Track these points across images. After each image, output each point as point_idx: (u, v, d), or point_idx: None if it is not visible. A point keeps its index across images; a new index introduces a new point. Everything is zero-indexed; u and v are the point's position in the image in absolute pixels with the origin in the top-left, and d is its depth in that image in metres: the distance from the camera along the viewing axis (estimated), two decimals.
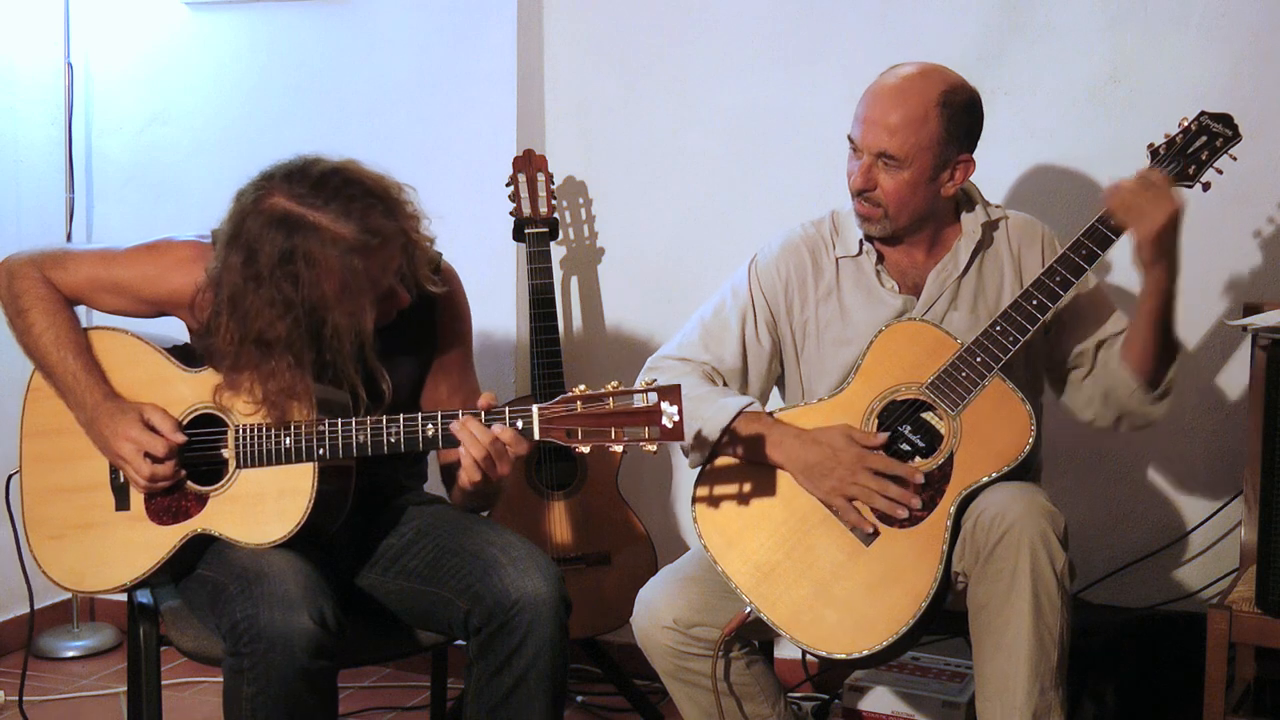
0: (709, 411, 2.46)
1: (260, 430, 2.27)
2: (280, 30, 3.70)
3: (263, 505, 2.27)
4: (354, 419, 2.25)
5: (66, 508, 2.38)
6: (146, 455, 2.27)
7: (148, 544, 2.32)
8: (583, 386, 2.18)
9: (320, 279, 2.18)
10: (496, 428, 2.20)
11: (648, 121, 3.51)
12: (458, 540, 2.36)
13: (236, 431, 2.28)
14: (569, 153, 3.56)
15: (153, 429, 2.29)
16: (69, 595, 3.81)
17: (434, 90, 3.56)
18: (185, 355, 2.39)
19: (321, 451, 2.24)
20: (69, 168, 3.79)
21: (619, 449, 2.16)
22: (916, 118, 2.45)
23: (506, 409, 2.21)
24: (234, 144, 3.78)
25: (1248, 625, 2.46)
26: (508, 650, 2.24)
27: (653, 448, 2.16)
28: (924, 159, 2.47)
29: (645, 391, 2.14)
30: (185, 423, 2.32)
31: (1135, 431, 2.62)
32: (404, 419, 2.24)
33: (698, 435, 2.45)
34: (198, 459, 2.32)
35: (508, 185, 3.33)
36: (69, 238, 3.76)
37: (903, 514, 2.34)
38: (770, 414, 2.49)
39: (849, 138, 2.51)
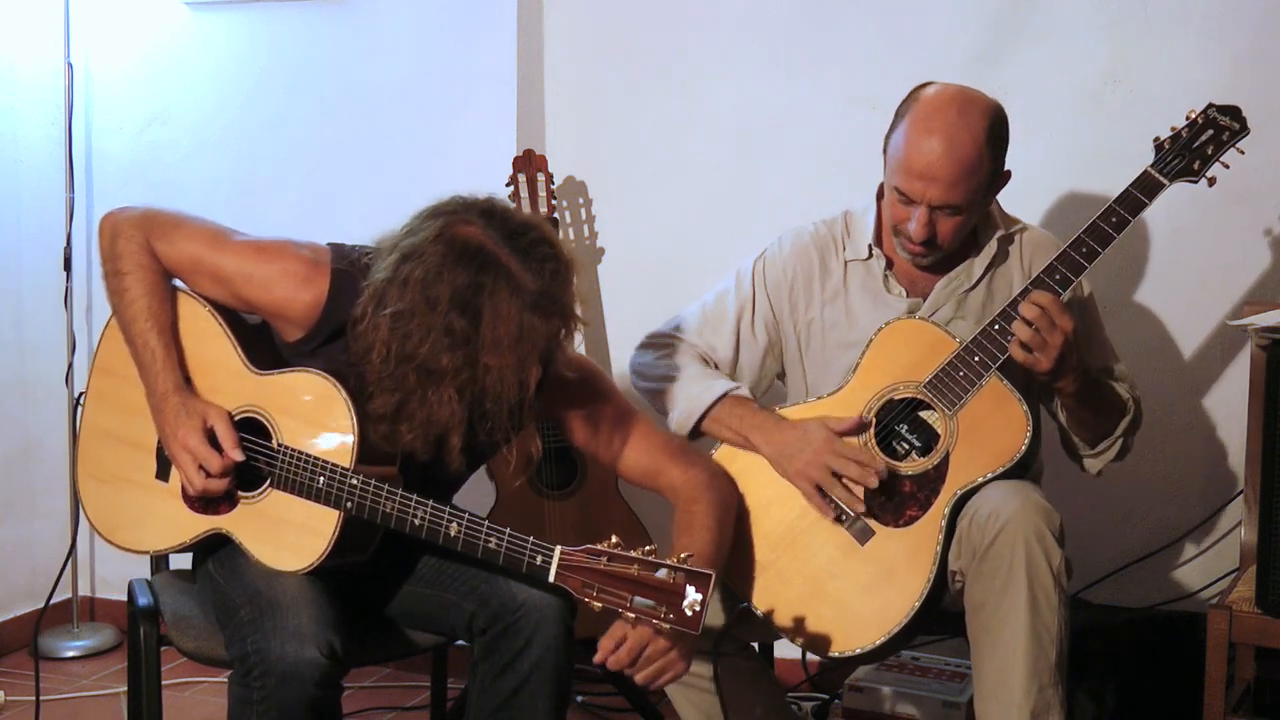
0: (696, 390, 2.49)
1: (299, 458, 2.23)
2: (280, 30, 3.70)
3: (284, 532, 2.24)
4: (386, 487, 2.19)
5: (114, 455, 2.38)
6: (201, 468, 2.24)
7: (174, 523, 2.31)
8: (615, 539, 2.09)
9: (499, 322, 2.09)
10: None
11: (648, 121, 3.51)
12: None
13: (278, 450, 2.25)
14: (569, 153, 3.56)
15: (214, 440, 2.24)
16: (69, 595, 3.81)
17: (434, 90, 3.56)
18: (254, 346, 2.33)
19: (349, 505, 2.20)
20: (69, 168, 3.79)
21: (631, 617, 2.07)
22: (971, 164, 2.39)
23: (530, 542, 2.13)
24: (234, 144, 3.78)
25: (1248, 625, 2.46)
26: (512, 652, 2.23)
27: (666, 627, 2.05)
28: (978, 196, 2.44)
29: (674, 569, 2.03)
30: (235, 419, 2.28)
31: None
32: (432, 506, 2.18)
33: (683, 412, 2.49)
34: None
35: (508, 185, 3.33)
36: (69, 238, 3.76)
37: (859, 506, 2.35)
38: (754, 401, 2.51)
39: (897, 188, 2.42)
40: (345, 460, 2.20)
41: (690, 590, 2.01)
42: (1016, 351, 2.35)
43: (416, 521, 2.18)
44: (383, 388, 2.15)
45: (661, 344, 2.62)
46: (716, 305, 2.64)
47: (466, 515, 2.18)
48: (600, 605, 2.07)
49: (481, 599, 2.27)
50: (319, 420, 2.23)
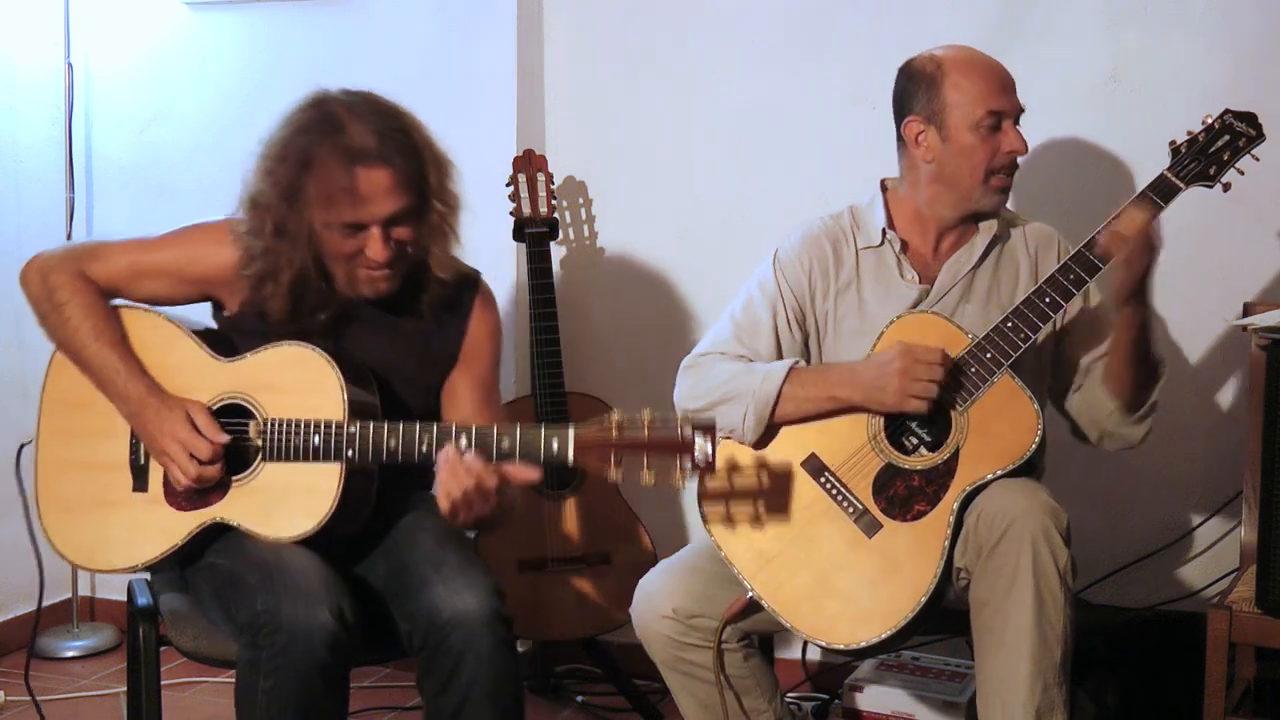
0: (756, 381, 2.45)
1: (289, 425, 2.26)
2: (280, 30, 3.70)
3: (286, 500, 2.26)
4: (386, 424, 2.23)
5: (82, 483, 2.37)
6: (193, 457, 2.27)
7: (163, 528, 2.32)
8: (618, 413, 2.15)
9: (316, 174, 2.24)
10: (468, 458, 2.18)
11: (648, 121, 3.52)
12: (404, 557, 2.34)
13: (265, 425, 2.28)
14: (569, 153, 3.56)
15: (197, 430, 2.28)
16: (69, 595, 3.81)
17: (434, 90, 3.54)
18: (215, 342, 2.38)
19: (350, 453, 2.23)
20: (69, 168, 3.79)
21: (651, 482, 2.13)
22: None
23: (543, 428, 2.18)
24: (234, 144, 3.70)
25: (1248, 625, 2.46)
26: (448, 669, 2.22)
27: (683, 484, 2.14)
28: None
29: (680, 425, 2.12)
30: (214, 410, 2.32)
31: (1120, 451, 2.62)
32: (438, 429, 2.22)
33: (756, 411, 2.44)
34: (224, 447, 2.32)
35: (508, 185, 3.33)
36: (69, 238, 3.76)
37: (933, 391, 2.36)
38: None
39: (991, 111, 2.48)
40: (337, 414, 2.24)
41: (699, 438, 2.12)
42: (1107, 240, 2.36)
43: (424, 448, 2.22)
44: (252, 241, 2.31)
45: (702, 364, 2.56)
46: (745, 313, 2.60)
47: (474, 427, 2.21)
48: (621, 474, 2.14)
49: (410, 616, 2.26)
50: (302, 386, 2.28)
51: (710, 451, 2.12)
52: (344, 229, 2.26)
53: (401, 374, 2.42)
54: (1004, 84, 2.51)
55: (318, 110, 2.30)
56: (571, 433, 2.16)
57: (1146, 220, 2.35)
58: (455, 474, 2.18)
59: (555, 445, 2.17)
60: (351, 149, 2.23)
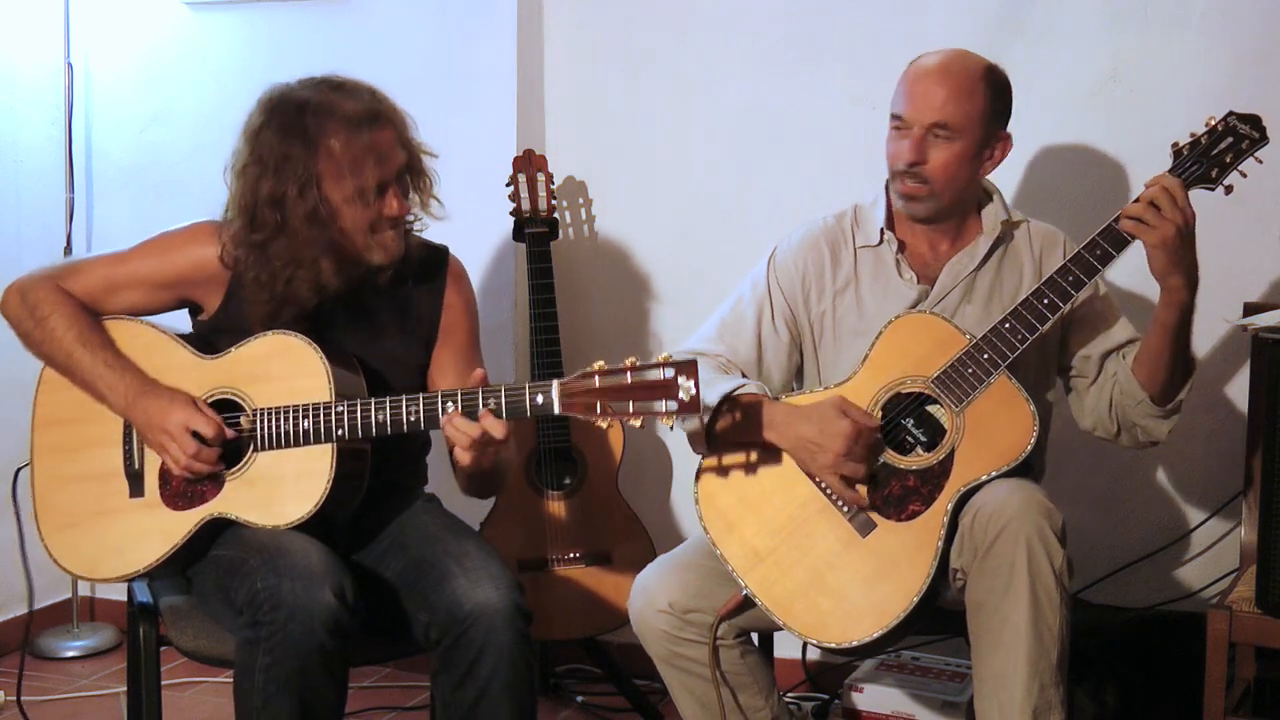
0: (706, 396, 2.46)
1: (278, 413, 2.28)
2: (280, 30, 3.70)
3: (281, 486, 2.28)
4: (373, 399, 2.26)
5: (79, 496, 2.38)
6: (195, 435, 2.28)
7: (163, 530, 2.33)
8: (600, 362, 2.18)
9: (333, 151, 2.29)
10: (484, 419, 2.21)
11: (648, 121, 3.52)
12: (422, 551, 2.35)
13: (255, 415, 2.29)
14: (569, 153, 3.56)
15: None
16: (69, 595, 3.81)
17: (434, 90, 3.55)
18: (198, 343, 2.40)
19: (340, 432, 2.26)
20: (69, 168, 3.79)
21: (637, 424, 2.16)
22: (965, 89, 2.47)
23: (527, 386, 2.20)
24: (234, 144, 3.77)
25: (1248, 625, 2.46)
26: (467, 662, 2.23)
27: (670, 422, 2.17)
28: (973, 131, 2.48)
29: (662, 366, 2.14)
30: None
31: (1136, 449, 2.61)
32: (424, 398, 2.25)
33: (692, 438, 2.47)
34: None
35: (508, 185, 3.33)
36: (69, 238, 3.76)
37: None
38: (772, 397, 2.49)
39: (894, 115, 2.50)
40: (324, 396, 2.27)
41: (681, 379, 2.14)
42: (1125, 223, 2.34)
43: (413, 417, 2.24)
44: (261, 245, 2.33)
45: None
46: (733, 312, 2.64)
47: (459, 392, 2.23)
48: (608, 422, 2.16)
49: (431, 609, 2.28)
50: (288, 372, 2.31)
51: (694, 389, 2.13)
52: (365, 196, 2.31)
53: (386, 353, 2.45)
54: (918, 89, 2.47)
55: (291, 101, 2.35)
56: (556, 384, 2.18)
57: (1160, 187, 2.32)
58: (471, 436, 2.21)
59: (540, 399, 2.19)
60: (356, 116, 2.30)
